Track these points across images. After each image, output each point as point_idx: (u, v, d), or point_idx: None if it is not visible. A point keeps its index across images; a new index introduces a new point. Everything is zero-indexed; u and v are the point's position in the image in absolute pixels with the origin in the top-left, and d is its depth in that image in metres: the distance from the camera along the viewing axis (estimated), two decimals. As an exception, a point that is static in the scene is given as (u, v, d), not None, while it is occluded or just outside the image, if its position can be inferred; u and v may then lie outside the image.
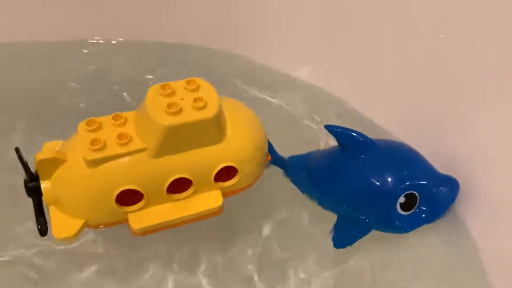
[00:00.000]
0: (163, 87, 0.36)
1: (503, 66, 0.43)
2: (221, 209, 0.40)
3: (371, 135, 0.42)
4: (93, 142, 0.35)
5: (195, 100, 0.35)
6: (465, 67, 0.46)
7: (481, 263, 0.41)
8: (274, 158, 0.46)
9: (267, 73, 0.60)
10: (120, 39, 0.62)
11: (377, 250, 0.43)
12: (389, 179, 0.40)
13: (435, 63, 0.48)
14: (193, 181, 0.38)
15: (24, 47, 0.60)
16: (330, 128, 0.41)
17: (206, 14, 0.60)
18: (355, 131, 0.41)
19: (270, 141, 0.45)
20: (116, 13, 0.61)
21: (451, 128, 0.47)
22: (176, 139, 0.35)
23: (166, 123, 0.34)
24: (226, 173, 0.39)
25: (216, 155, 0.38)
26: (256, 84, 0.59)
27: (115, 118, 0.36)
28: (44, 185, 0.36)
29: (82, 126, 0.36)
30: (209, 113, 0.35)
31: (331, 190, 0.43)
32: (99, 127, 0.36)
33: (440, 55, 0.48)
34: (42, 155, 0.35)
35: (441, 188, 0.41)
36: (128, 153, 0.35)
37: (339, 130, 0.41)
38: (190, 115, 0.35)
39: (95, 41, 0.62)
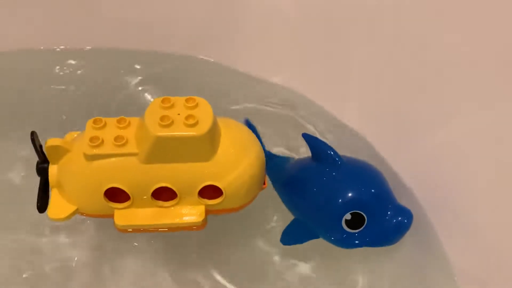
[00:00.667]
0: (164, 101, 0.39)
1: (466, 67, 0.45)
2: (203, 224, 0.42)
3: (343, 136, 0.47)
4: (93, 139, 0.38)
5: (187, 117, 0.38)
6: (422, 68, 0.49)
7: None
8: None
9: (246, 79, 0.62)
10: (106, 46, 0.63)
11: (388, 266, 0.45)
12: (338, 195, 0.42)
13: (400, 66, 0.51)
14: (177, 193, 0.40)
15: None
16: (306, 137, 0.45)
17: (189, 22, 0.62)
18: (326, 145, 0.43)
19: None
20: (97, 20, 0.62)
21: (416, 131, 0.50)
22: (165, 149, 0.38)
23: (156, 133, 0.37)
24: (213, 191, 0.41)
25: (201, 173, 0.39)
26: (237, 91, 0.61)
27: (119, 121, 0.40)
28: (51, 168, 0.41)
29: (89, 123, 0.40)
30: (198, 131, 0.37)
31: (290, 193, 0.46)
32: (103, 126, 0.39)
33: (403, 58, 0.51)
34: (51, 141, 0.39)
35: (392, 216, 0.42)
36: (121, 154, 0.38)
37: (312, 140, 0.44)
38: (179, 129, 0.37)
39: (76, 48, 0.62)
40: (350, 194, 0.42)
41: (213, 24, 0.61)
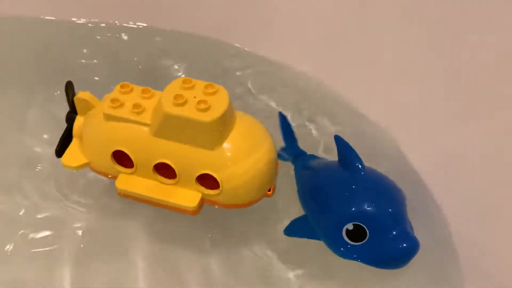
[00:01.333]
0: (185, 81, 0.39)
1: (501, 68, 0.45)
2: (195, 211, 0.42)
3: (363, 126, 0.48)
4: (114, 100, 0.40)
5: (200, 101, 0.38)
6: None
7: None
8: (290, 148, 0.51)
9: (269, 66, 0.62)
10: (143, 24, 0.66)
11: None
12: (346, 202, 0.41)
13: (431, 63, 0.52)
14: (176, 172, 0.40)
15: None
16: (337, 139, 0.43)
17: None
18: (353, 152, 0.42)
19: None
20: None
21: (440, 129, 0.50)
22: (172, 127, 0.38)
23: (166, 109, 0.38)
24: (211, 181, 0.41)
25: (202, 160, 0.39)
26: (258, 78, 0.61)
27: (143, 91, 0.41)
28: (78, 119, 0.43)
29: (118, 86, 0.41)
30: (206, 117, 0.37)
31: (305, 190, 0.46)
32: (128, 92, 0.41)
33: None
34: (81, 94, 0.42)
35: (395, 239, 0.39)
36: (134, 121, 0.40)
37: (342, 144, 0.43)
38: (188, 111, 0.37)
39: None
40: (357, 204, 0.40)
41: (244, 11, 0.63)
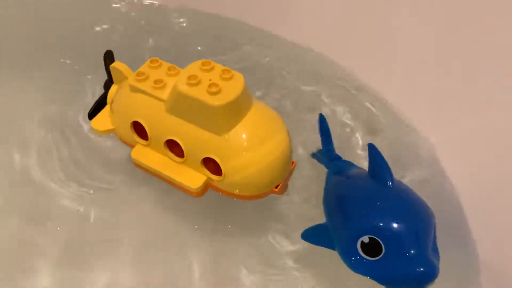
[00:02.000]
0: (204, 63, 0.40)
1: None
2: (198, 193, 0.42)
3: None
4: (140, 73, 0.42)
5: (212, 85, 0.38)
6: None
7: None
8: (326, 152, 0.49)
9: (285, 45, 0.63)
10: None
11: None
12: (365, 213, 0.38)
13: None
14: (184, 152, 0.41)
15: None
16: (370, 148, 0.41)
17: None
18: (385, 164, 0.40)
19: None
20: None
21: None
22: (183, 106, 0.39)
23: (178, 87, 0.38)
24: (216, 167, 0.40)
25: (208, 143, 0.39)
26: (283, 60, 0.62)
27: (170, 68, 0.42)
28: (112, 88, 0.46)
29: (148, 61, 0.43)
30: (213, 101, 0.37)
31: (330, 197, 0.43)
32: (156, 67, 0.42)
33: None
34: (116, 64, 0.44)
35: (412, 261, 0.35)
36: (153, 96, 0.41)
37: (374, 153, 0.41)
38: (198, 92, 0.38)
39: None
40: (376, 217, 0.38)
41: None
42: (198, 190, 0.42)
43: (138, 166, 0.44)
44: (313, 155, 0.51)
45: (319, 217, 0.43)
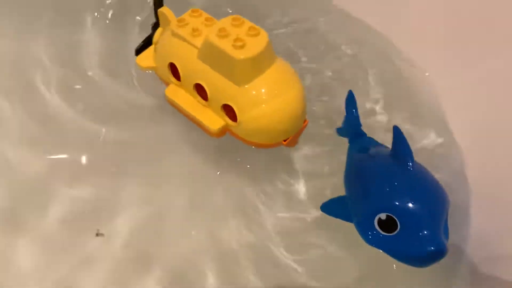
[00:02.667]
0: (235, 19, 0.44)
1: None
2: (216, 134, 0.47)
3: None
4: (181, 20, 0.47)
5: (237, 39, 0.42)
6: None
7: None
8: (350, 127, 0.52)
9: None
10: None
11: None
12: (385, 192, 0.41)
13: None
14: (208, 96, 0.46)
15: None
16: (395, 130, 0.43)
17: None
18: (407, 147, 0.42)
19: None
20: None
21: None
22: (210, 55, 0.44)
23: (208, 37, 0.43)
24: (233, 113, 0.45)
25: (228, 91, 0.44)
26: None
27: (207, 19, 0.47)
28: (158, 30, 0.51)
29: (190, 10, 0.48)
30: (235, 54, 0.41)
31: (351, 171, 0.46)
32: (196, 17, 0.47)
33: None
34: (163, 9, 0.49)
35: (424, 239, 0.38)
36: (189, 42, 0.46)
37: (398, 135, 0.43)
38: (223, 44, 0.42)
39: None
40: (395, 197, 0.40)
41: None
42: (216, 131, 0.47)
43: (170, 102, 0.50)
44: (338, 130, 0.54)
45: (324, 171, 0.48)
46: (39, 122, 0.54)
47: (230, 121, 0.46)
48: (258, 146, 0.48)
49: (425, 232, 0.38)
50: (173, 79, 0.49)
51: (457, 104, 0.56)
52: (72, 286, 0.45)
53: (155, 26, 0.52)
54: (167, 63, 0.48)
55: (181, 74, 0.47)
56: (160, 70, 0.51)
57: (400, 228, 0.39)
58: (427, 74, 0.59)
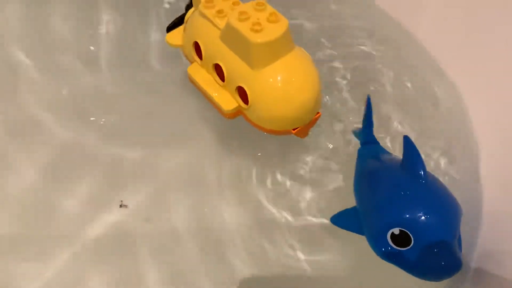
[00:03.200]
0: (258, 3, 0.45)
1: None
2: (229, 115, 0.49)
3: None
4: (208, 1, 0.48)
5: (256, 23, 0.43)
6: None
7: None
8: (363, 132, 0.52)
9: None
10: None
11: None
12: (398, 206, 0.40)
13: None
14: (225, 77, 0.47)
15: None
16: (406, 140, 0.43)
17: None
18: (419, 158, 0.42)
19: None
20: None
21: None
22: (231, 36, 0.45)
23: (230, 19, 0.44)
24: (246, 96, 0.46)
25: (243, 74, 0.45)
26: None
27: (234, 2, 0.48)
28: (191, 10, 0.53)
29: None
30: (251, 37, 0.42)
31: (362, 182, 0.46)
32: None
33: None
34: None
35: (438, 255, 0.38)
36: (213, 23, 0.47)
37: (409, 146, 0.42)
38: (242, 27, 0.43)
39: None
40: (409, 211, 0.40)
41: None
42: (228, 112, 0.48)
43: (190, 80, 0.52)
44: (354, 133, 0.54)
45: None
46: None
47: (242, 104, 0.47)
48: (267, 131, 0.48)
49: (440, 246, 0.38)
50: (196, 58, 0.51)
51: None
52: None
53: (188, 6, 0.54)
54: (192, 41, 0.50)
55: (203, 53, 0.49)
56: (186, 49, 0.53)
57: (414, 242, 0.39)
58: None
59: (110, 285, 0.46)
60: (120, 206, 0.50)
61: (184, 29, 0.53)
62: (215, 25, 0.47)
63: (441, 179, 0.44)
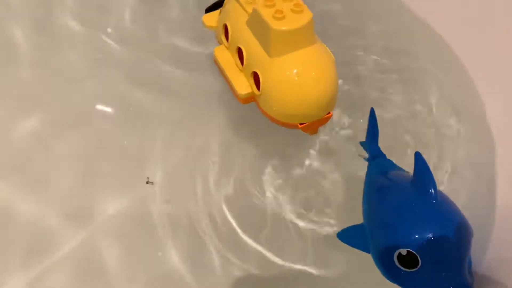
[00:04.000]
0: None
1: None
2: (241, 99, 0.49)
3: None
4: None
5: (278, 11, 0.43)
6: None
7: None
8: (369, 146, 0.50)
9: None
10: None
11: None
12: (407, 226, 0.39)
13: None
14: (244, 60, 0.48)
15: None
16: (417, 157, 0.40)
17: None
18: (431, 178, 0.39)
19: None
20: None
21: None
22: (255, 22, 0.46)
23: (256, 5, 0.45)
24: (259, 83, 0.47)
25: (259, 60, 0.46)
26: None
27: None
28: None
29: None
30: (272, 23, 0.43)
31: (371, 198, 0.45)
32: None
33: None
34: None
35: (446, 280, 0.36)
36: (243, 8, 0.48)
37: (421, 164, 0.40)
38: (265, 13, 0.44)
39: None
40: (419, 233, 0.38)
41: None
42: (242, 96, 0.49)
43: (215, 61, 0.53)
44: (361, 143, 0.52)
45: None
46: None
47: (255, 90, 0.48)
48: (275, 122, 0.48)
49: (448, 269, 0.36)
50: (223, 39, 0.52)
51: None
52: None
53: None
54: (222, 24, 0.51)
55: (229, 35, 0.50)
56: (217, 31, 0.54)
57: (421, 265, 0.37)
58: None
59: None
60: (147, 183, 0.52)
61: (220, 12, 0.54)
62: (245, 10, 0.48)
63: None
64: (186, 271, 0.47)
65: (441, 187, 0.45)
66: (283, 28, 0.43)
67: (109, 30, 0.63)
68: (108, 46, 0.61)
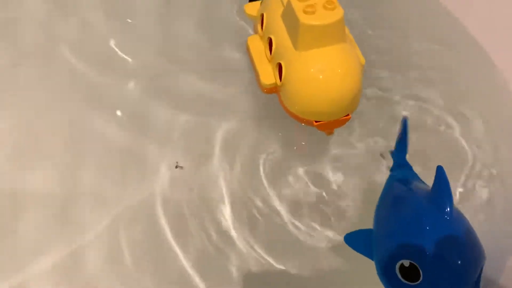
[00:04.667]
0: None
1: None
2: (264, 88, 0.50)
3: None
4: None
5: (310, 6, 0.43)
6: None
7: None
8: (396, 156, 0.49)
9: None
10: None
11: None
12: (415, 237, 0.38)
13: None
14: (272, 51, 0.48)
15: None
16: (438, 170, 0.39)
17: None
18: (449, 194, 0.38)
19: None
20: None
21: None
22: (287, 14, 0.46)
23: (290, 0, 0.45)
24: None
25: (285, 51, 0.46)
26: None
27: None
28: None
29: None
30: (301, 16, 0.43)
31: (384, 205, 0.44)
32: None
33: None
34: None
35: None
36: (281, 0, 0.49)
37: (441, 177, 0.38)
38: (296, 6, 0.44)
39: None
40: (425, 245, 0.37)
41: None
42: (265, 86, 0.49)
43: (247, 49, 0.54)
44: (390, 152, 0.51)
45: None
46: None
47: (277, 80, 0.48)
48: (292, 116, 0.49)
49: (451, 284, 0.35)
50: (259, 28, 0.53)
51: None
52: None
53: None
54: (261, 13, 0.52)
55: (264, 25, 0.51)
56: (256, 20, 0.55)
57: (422, 279, 0.36)
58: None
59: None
60: (176, 167, 0.52)
61: (261, 3, 0.55)
62: (281, 2, 0.49)
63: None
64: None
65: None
66: (311, 22, 0.43)
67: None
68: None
